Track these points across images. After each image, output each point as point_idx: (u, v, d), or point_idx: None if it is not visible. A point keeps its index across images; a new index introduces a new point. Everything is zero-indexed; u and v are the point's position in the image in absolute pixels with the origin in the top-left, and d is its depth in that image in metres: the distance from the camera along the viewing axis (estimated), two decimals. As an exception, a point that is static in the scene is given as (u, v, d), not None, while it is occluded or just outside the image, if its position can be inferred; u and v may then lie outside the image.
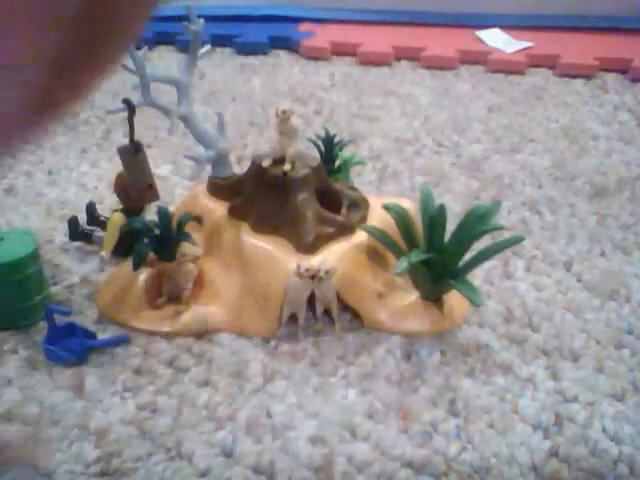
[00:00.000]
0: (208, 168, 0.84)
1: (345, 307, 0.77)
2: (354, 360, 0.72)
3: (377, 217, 0.80)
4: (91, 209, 0.89)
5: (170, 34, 1.65)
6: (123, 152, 0.80)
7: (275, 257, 0.74)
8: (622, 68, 1.55)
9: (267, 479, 0.60)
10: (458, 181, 1.09)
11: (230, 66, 1.56)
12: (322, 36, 1.66)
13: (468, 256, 0.75)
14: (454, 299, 0.78)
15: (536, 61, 1.58)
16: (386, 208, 0.77)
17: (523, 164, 1.15)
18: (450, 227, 0.74)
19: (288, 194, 0.75)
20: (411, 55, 1.61)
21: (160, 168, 1.08)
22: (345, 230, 0.77)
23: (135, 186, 0.82)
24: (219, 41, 1.62)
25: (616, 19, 1.74)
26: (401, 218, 0.76)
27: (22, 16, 0.27)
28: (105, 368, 0.70)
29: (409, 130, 1.26)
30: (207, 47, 0.79)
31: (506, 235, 0.92)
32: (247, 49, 1.63)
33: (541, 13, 1.78)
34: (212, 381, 0.69)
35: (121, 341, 0.73)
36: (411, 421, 0.65)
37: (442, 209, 0.73)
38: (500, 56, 1.57)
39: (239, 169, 0.87)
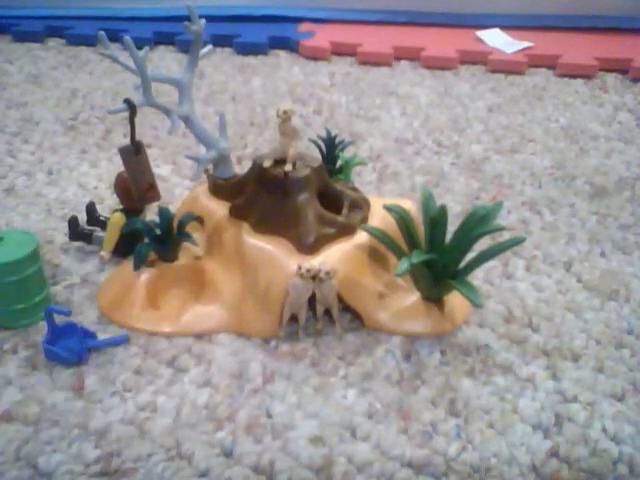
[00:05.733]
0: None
1: (346, 307, 0.77)
2: (354, 360, 0.72)
3: (378, 218, 0.80)
4: (91, 209, 0.89)
5: (170, 34, 1.65)
6: (124, 152, 0.80)
7: (276, 257, 0.74)
8: (622, 68, 1.55)
9: (267, 479, 0.60)
10: (458, 181, 1.09)
11: (230, 66, 1.56)
12: (322, 36, 1.66)
13: (469, 257, 0.75)
14: (455, 300, 0.78)
15: (536, 61, 1.58)
16: (387, 209, 0.77)
17: (523, 164, 1.15)
18: (450, 227, 0.74)
19: (289, 195, 0.75)
20: (411, 55, 1.61)
21: (161, 168, 1.08)
22: (346, 231, 0.77)
23: (136, 186, 0.82)
24: (219, 41, 1.62)
25: (616, 19, 1.75)
26: (402, 219, 0.76)
27: None
28: (105, 368, 0.70)
29: (409, 130, 1.26)
30: (209, 47, 0.79)
31: (506, 235, 0.92)
32: (247, 49, 1.63)
33: (541, 13, 1.78)
34: (212, 381, 0.69)
35: (121, 341, 0.73)
36: (411, 421, 0.65)
37: (443, 210, 0.73)
38: (500, 56, 1.57)
39: (239, 169, 0.87)
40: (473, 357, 0.73)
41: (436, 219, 0.74)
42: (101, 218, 0.89)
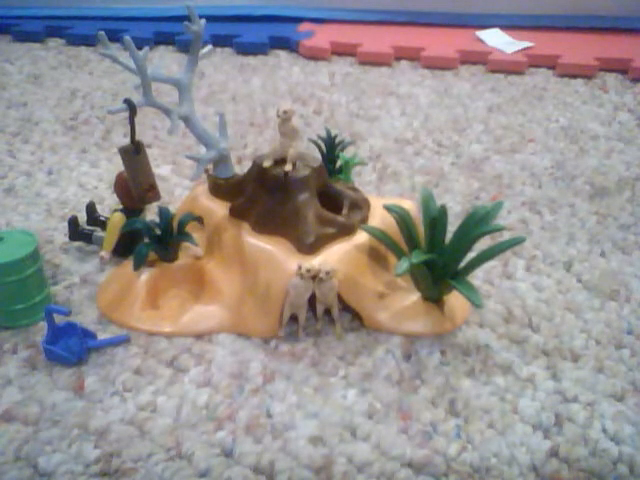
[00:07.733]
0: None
1: (346, 307, 0.77)
2: (354, 360, 0.72)
3: (378, 218, 0.80)
4: (91, 209, 0.89)
5: (170, 34, 1.66)
6: (124, 152, 0.80)
7: (276, 258, 0.74)
8: (622, 68, 1.55)
9: (267, 479, 0.60)
10: (458, 181, 1.09)
11: (230, 66, 1.56)
12: (322, 36, 1.66)
13: (469, 257, 0.75)
14: (455, 300, 0.78)
15: (536, 61, 1.58)
16: (387, 209, 0.77)
17: (523, 164, 1.15)
18: (450, 227, 0.74)
19: (289, 195, 0.75)
20: (411, 55, 1.61)
21: (161, 168, 1.08)
22: (346, 231, 0.77)
23: (136, 186, 0.82)
24: (219, 41, 1.62)
25: (616, 19, 1.75)
26: (402, 219, 0.76)
27: None
28: (105, 368, 0.70)
29: (409, 130, 1.26)
30: (209, 47, 0.79)
31: (506, 235, 0.92)
32: (247, 49, 1.63)
33: (541, 13, 1.78)
34: (212, 381, 0.69)
35: (121, 341, 0.73)
36: (411, 421, 0.65)
37: (443, 210, 0.73)
38: (500, 56, 1.57)
39: (239, 169, 0.87)
40: (473, 357, 0.73)
41: (436, 219, 0.74)
42: (101, 218, 0.89)
